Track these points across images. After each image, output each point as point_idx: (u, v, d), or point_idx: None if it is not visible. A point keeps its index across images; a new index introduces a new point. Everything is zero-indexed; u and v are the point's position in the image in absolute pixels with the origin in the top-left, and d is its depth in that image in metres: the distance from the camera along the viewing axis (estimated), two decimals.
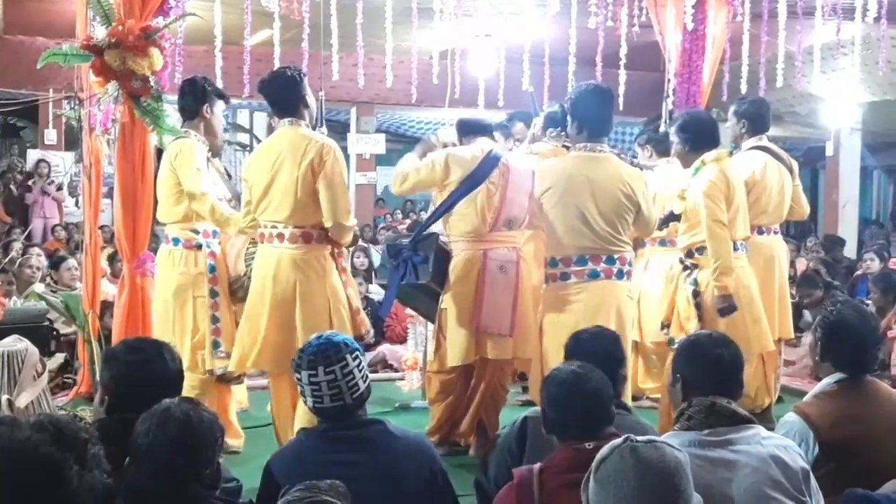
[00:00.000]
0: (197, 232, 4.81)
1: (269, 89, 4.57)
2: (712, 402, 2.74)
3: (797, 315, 7.19)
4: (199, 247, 4.80)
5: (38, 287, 7.19)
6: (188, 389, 4.56)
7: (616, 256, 4.49)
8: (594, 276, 4.46)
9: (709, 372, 2.88)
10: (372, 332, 4.78)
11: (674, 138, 5.11)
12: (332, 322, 4.36)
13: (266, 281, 4.46)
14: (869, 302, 7.65)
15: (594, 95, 4.66)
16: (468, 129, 5.07)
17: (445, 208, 4.90)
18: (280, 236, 4.45)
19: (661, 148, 6.10)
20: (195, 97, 4.86)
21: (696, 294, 4.85)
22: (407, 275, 4.99)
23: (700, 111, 5.55)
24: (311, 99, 4.58)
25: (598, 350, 3.20)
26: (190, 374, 4.72)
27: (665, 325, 5.04)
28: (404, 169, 5.02)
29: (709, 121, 5.16)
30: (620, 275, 4.52)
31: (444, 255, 4.92)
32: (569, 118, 4.72)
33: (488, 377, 4.93)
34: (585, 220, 4.45)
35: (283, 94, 4.53)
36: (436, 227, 5.07)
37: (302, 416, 4.17)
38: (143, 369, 2.86)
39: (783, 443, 2.77)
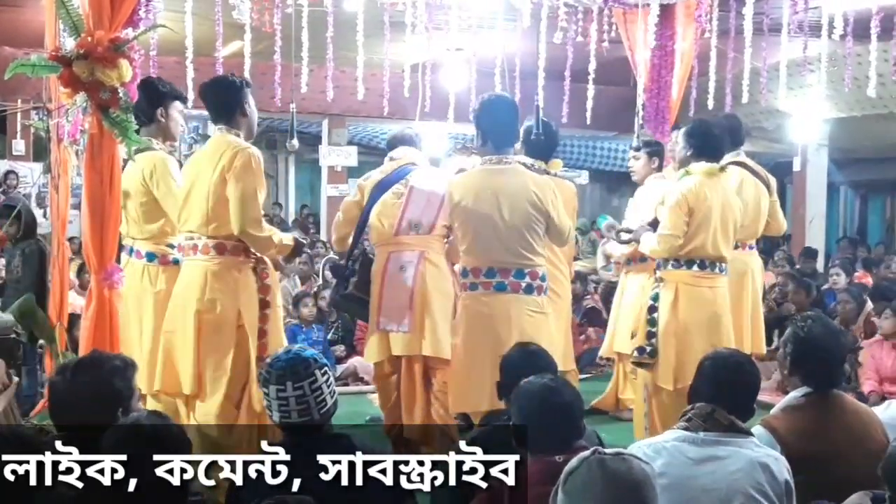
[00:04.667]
0: (172, 247, 4.72)
1: (207, 93, 4.54)
2: (713, 409, 2.86)
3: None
4: (176, 262, 4.70)
5: None
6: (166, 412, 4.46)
7: (526, 271, 4.47)
8: (500, 288, 4.46)
9: (720, 392, 2.93)
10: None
11: (680, 143, 5.04)
12: (231, 338, 4.28)
13: (178, 296, 4.40)
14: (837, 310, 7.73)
15: (497, 106, 4.65)
16: (394, 143, 5.46)
17: (363, 222, 5.18)
18: (194, 248, 4.38)
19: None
20: (149, 100, 4.77)
21: (651, 310, 4.85)
22: (340, 287, 5.35)
23: (711, 120, 5.41)
24: (251, 109, 4.52)
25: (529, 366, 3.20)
26: (168, 398, 4.56)
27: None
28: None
29: (717, 132, 5.03)
30: (529, 289, 4.49)
31: (367, 264, 5.19)
32: (476, 131, 4.71)
33: (417, 375, 5.04)
34: (493, 233, 4.45)
35: (218, 100, 4.49)
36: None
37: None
38: (69, 385, 2.83)
39: (774, 454, 2.87)
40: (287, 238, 4.54)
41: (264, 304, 4.41)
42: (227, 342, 4.29)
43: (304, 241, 5.00)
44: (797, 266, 11.11)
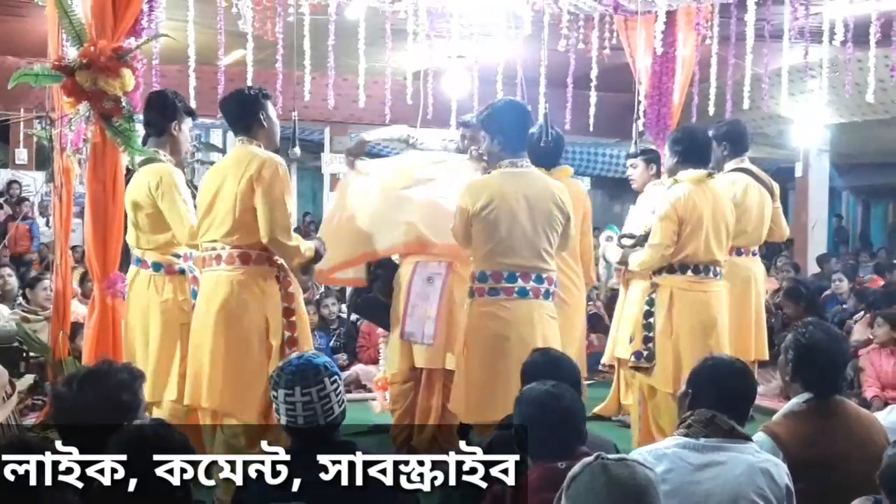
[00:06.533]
0: (178, 256, 4.68)
1: (225, 107, 4.56)
2: (713, 415, 2.85)
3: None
4: (182, 272, 4.67)
5: (7, 307, 7.11)
6: (171, 420, 4.46)
7: (544, 276, 4.41)
8: (523, 294, 4.38)
9: (720, 399, 2.92)
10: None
11: (666, 152, 5.03)
12: (261, 349, 4.26)
13: (202, 307, 4.37)
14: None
15: (511, 110, 4.58)
16: None
17: None
18: (218, 258, 4.33)
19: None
20: (164, 114, 4.72)
21: (647, 315, 4.84)
22: (362, 290, 5.38)
23: (696, 126, 5.47)
24: (271, 121, 4.50)
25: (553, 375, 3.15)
26: (175, 406, 4.56)
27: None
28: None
29: (702, 137, 5.03)
30: (547, 295, 4.44)
31: (391, 268, 5.20)
32: (486, 136, 4.59)
33: (436, 389, 5.04)
34: (520, 237, 4.36)
35: (236, 113, 4.49)
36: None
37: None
38: (76, 397, 2.83)
39: (774, 460, 2.87)
40: (310, 246, 4.51)
41: (289, 313, 4.38)
42: (257, 356, 4.27)
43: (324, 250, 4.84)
44: (820, 271, 11.15)
